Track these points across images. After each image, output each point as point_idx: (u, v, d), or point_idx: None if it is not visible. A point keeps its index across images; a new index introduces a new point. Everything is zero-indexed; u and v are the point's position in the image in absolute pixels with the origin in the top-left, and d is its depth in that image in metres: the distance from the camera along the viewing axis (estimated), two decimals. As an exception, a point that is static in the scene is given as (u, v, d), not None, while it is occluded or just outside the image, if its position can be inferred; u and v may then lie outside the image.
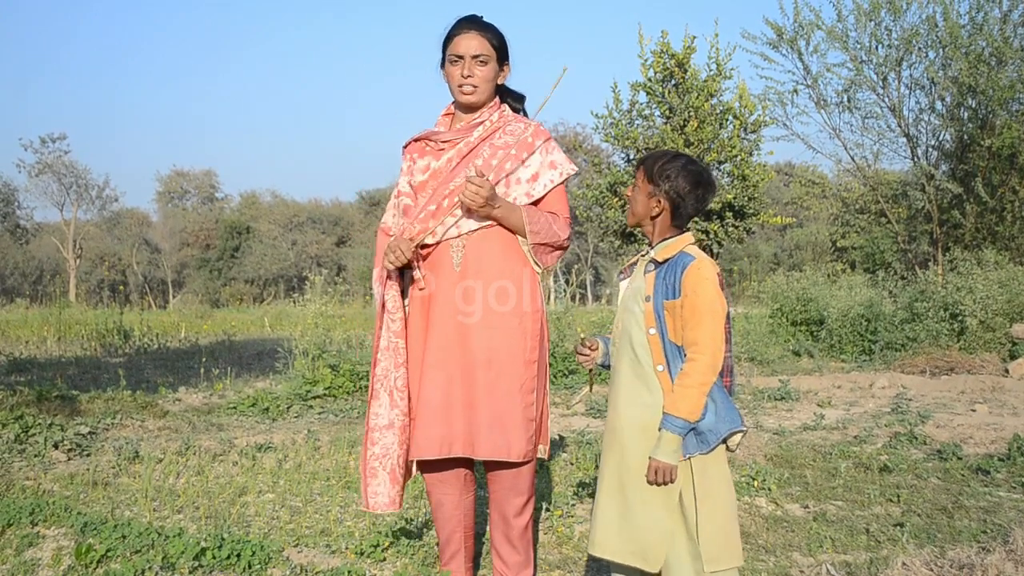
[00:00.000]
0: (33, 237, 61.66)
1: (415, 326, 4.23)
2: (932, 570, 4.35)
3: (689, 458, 3.32)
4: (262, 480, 6.96)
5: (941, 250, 20.29)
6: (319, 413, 10.41)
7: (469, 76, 4.15)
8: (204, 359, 14.70)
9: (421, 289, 4.20)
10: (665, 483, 3.24)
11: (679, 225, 3.48)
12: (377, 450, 4.25)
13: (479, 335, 4.11)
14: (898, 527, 5.51)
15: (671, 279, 3.35)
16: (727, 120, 19.11)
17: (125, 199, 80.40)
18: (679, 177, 3.42)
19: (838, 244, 29.01)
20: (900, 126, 21.05)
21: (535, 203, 4.22)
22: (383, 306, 4.24)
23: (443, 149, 4.25)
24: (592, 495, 6.35)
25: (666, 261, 3.39)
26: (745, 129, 19.07)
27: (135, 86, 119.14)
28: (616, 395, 3.49)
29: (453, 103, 4.35)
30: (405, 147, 4.40)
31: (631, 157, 19.40)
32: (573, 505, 6.06)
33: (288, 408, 10.59)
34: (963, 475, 6.84)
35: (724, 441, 3.36)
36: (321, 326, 13.22)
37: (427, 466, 4.26)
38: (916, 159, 21.10)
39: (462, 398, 4.09)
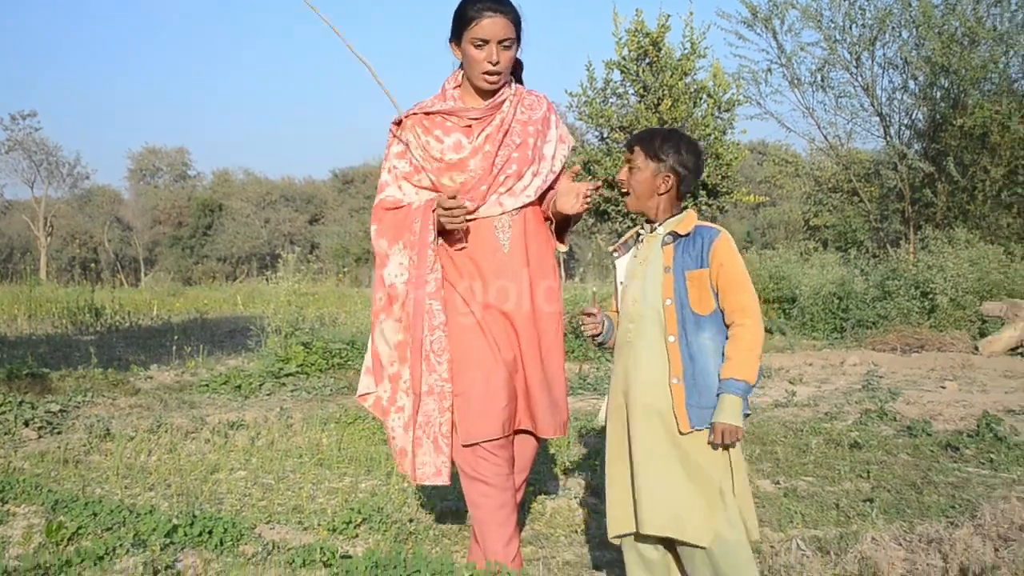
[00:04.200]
0: (3, 215, 61.11)
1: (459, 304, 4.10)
2: (901, 544, 4.39)
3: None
4: (234, 457, 6.94)
5: (913, 229, 20.39)
6: (292, 391, 10.38)
7: (496, 63, 4.00)
8: (176, 337, 14.64)
9: (459, 249, 4.08)
10: (731, 444, 3.26)
11: (682, 198, 3.54)
12: (420, 419, 4.08)
13: (526, 321, 4.12)
14: (868, 502, 5.55)
15: (694, 250, 3.40)
16: (701, 99, 19.07)
17: (96, 177, 79.77)
18: (682, 150, 3.48)
19: (811, 223, 29.08)
20: (873, 105, 21.12)
21: (556, 179, 4.21)
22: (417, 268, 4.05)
23: (470, 126, 4.11)
24: (566, 472, 6.37)
25: (687, 234, 3.44)
26: (719, 108, 19.04)
27: (106, 63, 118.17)
28: (637, 372, 3.48)
29: (462, 75, 4.19)
30: (404, 118, 4.16)
31: (605, 135, 19.37)
32: (545, 482, 6.08)
33: (260, 386, 10.56)
34: (932, 451, 6.90)
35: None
36: (294, 304, 13.19)
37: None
38: (889, 138, 21.18)
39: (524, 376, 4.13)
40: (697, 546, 3.36)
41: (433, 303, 4.04)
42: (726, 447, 3.29)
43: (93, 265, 45.62)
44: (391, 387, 4.17)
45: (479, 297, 4.06)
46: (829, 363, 12.13)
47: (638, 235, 3.61)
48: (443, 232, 4.05)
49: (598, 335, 3.66)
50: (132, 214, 61.21)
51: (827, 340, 14.96)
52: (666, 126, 3.88)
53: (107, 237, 55.97)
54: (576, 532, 5.20)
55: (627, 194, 3.54)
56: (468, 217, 3.99)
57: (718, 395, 3.28)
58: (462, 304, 4.07)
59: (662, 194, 3.49)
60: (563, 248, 4.30)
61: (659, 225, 3.50)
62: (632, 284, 3.53)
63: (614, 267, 3.66)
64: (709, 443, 3.29)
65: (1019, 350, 12.82)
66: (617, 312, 3.65)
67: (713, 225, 3.45)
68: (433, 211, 3.99)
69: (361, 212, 49.54)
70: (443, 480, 4.09)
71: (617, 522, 3.54)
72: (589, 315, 3.63)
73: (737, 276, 3.35)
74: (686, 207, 3.57)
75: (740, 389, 3.25)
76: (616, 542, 3.59)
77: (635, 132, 3.56)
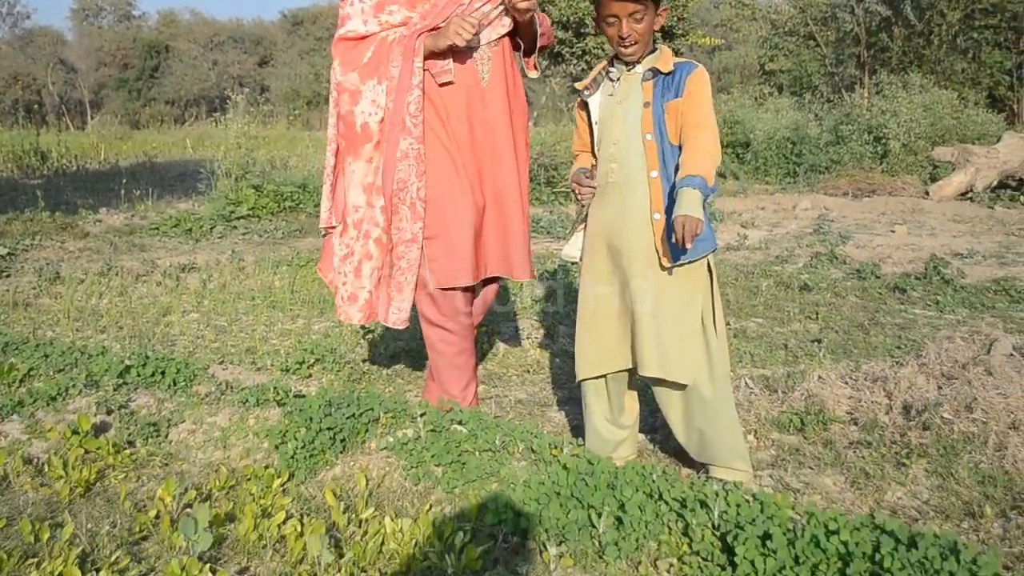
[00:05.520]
0: (-59, 56, 59.39)
1: (437, 138, 3.97)
2: (847, 383, 4.47)
3: (707, 260, 3.43)
4: (186, 300, 6.92)
5: (868, 73, 20.31)
6: (243, 234, 10.32)
7: None
8: (125, 181, 14.42)
9: (444, 84, 3.91)
10: (693, 236, 3.12)
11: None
12: (404, 264, 4.03)
13: (509, 158, 4.05)
14: (816, 343, 5.63)
15: (673, 83, 3.35)
16: (657, -63, 18.68)
17: (37, 17, 77.43)
18: None
19: (766, 67, 28.80)
20: (832, -55, 20.80)
21: None
22: (401, 110, 3.88)
23: None
24: (518, 313, 6.40)
25: (669, 72, 3.37)
26: (676, -53, 18.69)
27: None
28: (623, 211, 3.44)
29: None
30: None
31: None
32: (498, 323, 6.11)
33: (211, 229, 10.48)
34: (880, 293, 6.99)
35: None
36: (244, 147, 13.01)
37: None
38: (847, -20, 20.92)
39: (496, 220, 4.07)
40: (680, 384, 3.42)
41: (420, 147, 3.92)
42: (688, 239, 3.13)
43: (37, 108, 44.61)
44: (351, 232, 4.11)
45: (459, 136, 3.96)
46: (781, 207, 12.20)
47: (608, 72, 3.53)
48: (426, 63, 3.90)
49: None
50: (76, 56, 59.51)
51: (780, 184, 15.02)
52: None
53: (51, 79, 54.50)
54: (528, 372, 5.25)
55: (630, 46, 3.38)
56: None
57: (675, 193, 3.21)
58: (440, 144, 3.96)
59: (655, 31, 3.44)
60: (534, 75, 4.20)
61: (638, 63, 3.43)
62: (612, 125, 3.46)
63: (586, 105, 3.58)
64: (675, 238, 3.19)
65: (968, 195, 12.94)
66: (592, 152, 3.60)
67: (692, 61, 3.40)
68: (417, 39, 3.83)
69: (311, 54, 48.51)
70: (407, 325, 4.10)
71: (589, 365, 3.57)
72: (589, 187, 3.56)
73: (701, 102, 3.31)
74: (657, 44, 3.50)
75: (696, 183, 3.16)
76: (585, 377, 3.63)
77: None
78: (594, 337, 3.56)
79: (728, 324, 6.13)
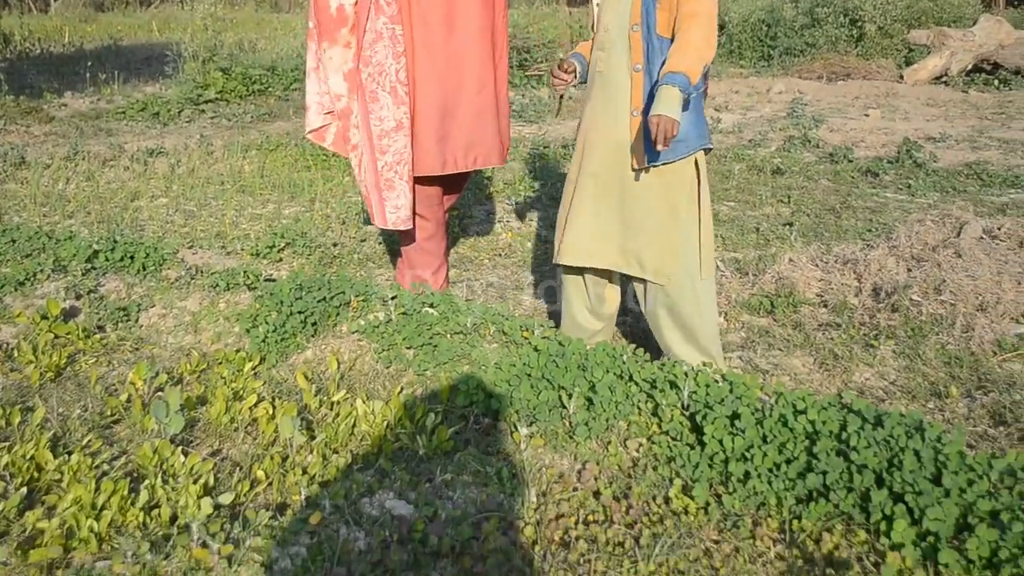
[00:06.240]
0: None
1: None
2: (817, 266, 4.49)
3: (694, 157, 3.26)
4: (155, 185, 6.84)
5: (845, -46, 20.00)
6: (211, 117, 10.17)
7: None
8: (90, 64, 14.15)
9: None
10: (667, 138, 2.99)
11: None
12: (389, 158, 3.86)
13: (486, 41, 3.98)
14: (787, 226, 5.64)
15: None
16: None
17: None
18: None
19: (742, -52, 28.43)
20: None
21: None
22: None
23: None
24: (489, 197, 6.38)
25: None
26: None
27: None
28: (604, 103, 3.33)
29: None
30: None
31: None
32: (470, 207, 6.09)
33: (179, 113, 10.32)
34: (853, 177, 6.99)
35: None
36: (211, 29, 12.77)
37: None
38: None
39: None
40: (654, 282, 3.35)
41: (396, 28, 3.79)
42: (663, 140, 3.01)
43: (-2, -12, 43.55)
44: (343, 123, 4.00)
45: (431, 19, 3.83)
46: (755, 91, 12.10)
47: None
48: None
49: (572, 85, 3.51)
50: (36, -66, 58.07)
51: (754, 68, 14.89)
52: None
53: (11, -41, 53.22)
54: (500, 256, 5.25)
55: None
56: None
57: (655, 89, 3.07)
58: (409, 27, 3.84)
59: None
60: None
61: None
62: (607, 9, 3.31)
63: None
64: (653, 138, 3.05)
65: (943, 78, 12.88)
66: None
67: None
68: None
69: (279, -66, 47.43)
70: (411, 225, 3.98)
71: (569, 251, 3.48)
72: (560, 79, 3.45)
73: None
74: None
75: (678, 80, 2.99)
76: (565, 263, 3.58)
77: None
78: (573, 227, 3.47)
79: (700, 208, 6.13)
